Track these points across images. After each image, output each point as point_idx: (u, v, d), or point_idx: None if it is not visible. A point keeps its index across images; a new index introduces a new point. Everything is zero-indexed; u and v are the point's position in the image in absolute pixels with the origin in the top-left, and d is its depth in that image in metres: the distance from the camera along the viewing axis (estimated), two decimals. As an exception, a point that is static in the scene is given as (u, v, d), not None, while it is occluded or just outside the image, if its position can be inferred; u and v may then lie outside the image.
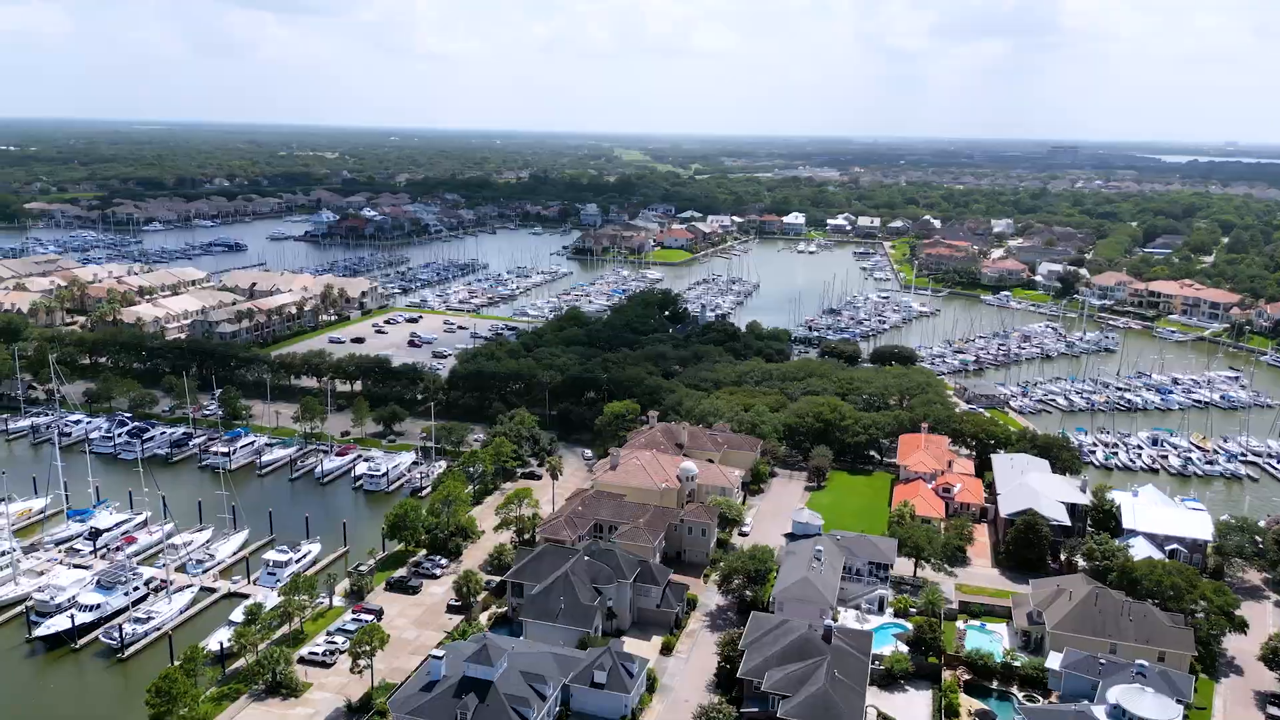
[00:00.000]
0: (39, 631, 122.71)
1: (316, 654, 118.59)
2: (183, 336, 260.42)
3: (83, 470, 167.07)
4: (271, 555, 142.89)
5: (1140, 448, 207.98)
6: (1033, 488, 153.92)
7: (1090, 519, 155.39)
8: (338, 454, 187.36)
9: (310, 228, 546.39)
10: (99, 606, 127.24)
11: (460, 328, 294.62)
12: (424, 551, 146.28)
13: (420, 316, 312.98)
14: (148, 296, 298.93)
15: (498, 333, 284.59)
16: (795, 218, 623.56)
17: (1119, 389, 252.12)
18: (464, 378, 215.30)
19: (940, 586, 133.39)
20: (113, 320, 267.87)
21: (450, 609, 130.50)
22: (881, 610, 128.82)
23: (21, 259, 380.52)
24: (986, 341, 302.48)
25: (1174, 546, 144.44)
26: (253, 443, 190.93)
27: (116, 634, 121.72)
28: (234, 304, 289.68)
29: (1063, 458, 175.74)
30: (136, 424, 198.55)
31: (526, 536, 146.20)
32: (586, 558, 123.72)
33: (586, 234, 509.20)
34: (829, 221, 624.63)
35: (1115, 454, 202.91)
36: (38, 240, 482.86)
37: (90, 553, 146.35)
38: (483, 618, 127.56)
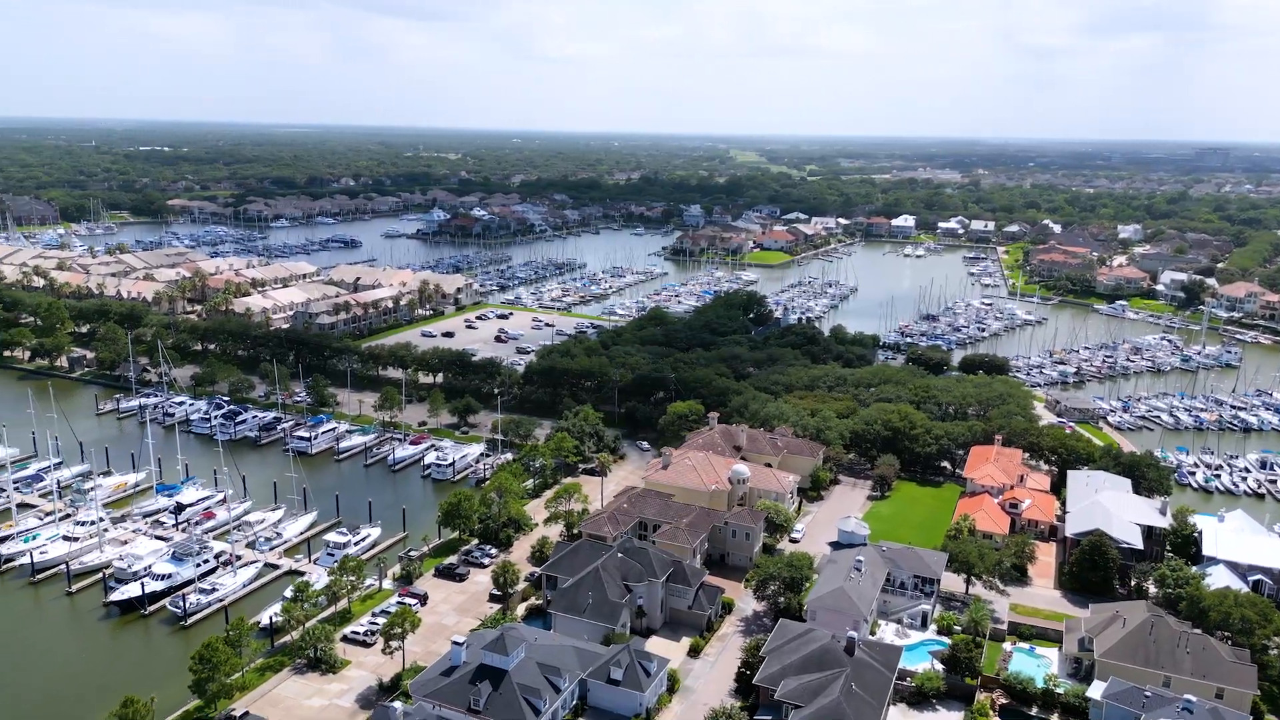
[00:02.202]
0: (114, 596, 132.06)
1: (358, 633, 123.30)
2: (285, 326, 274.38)
3: (182, 449, 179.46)
4: (332, 537, 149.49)
5: (1247, 470, 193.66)
6: (1105, 507, 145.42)
7: (1168, 544, 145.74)
8: (411, 443, 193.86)
9: (422, 226, 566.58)
10: (169, 576, 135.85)
11: (547, 325, 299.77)
12: (476, 541, 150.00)
13: (511, 313, 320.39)
14: (260, 288, 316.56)
15: (581, 331, 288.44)
16: (904, 220, 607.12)
17: (1234, 407, 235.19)
18: (538, 373, 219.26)
19: (991, 605, 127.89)
20: (225, 310, 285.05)
21: (492, 598, 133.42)
22: (924, 626, 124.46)
23: (154, 251, 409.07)
24: (1091, 353, 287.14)
25: (1258, 577, 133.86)
26: (334, 429, 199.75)
27: (182, 603, 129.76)
28: (337, 297, 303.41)
29: (1149, 477, 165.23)
30: (231, 407, 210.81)
31: (575, 531, 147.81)
32: (620, 555, 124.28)
33: (685, 235, 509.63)
34: (940, 225, 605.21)
35: (1218, 476, 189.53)
36: (174, 234, 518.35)
37: (173, 525, 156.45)
38: (520, 608, 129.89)
